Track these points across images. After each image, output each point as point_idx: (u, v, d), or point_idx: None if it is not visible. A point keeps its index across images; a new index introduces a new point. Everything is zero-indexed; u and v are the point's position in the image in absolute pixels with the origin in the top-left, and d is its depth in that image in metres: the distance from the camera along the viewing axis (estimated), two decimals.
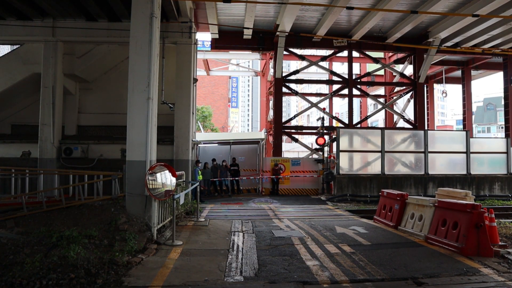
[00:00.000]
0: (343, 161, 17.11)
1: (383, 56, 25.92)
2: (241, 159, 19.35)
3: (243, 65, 35.23)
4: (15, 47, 15.88)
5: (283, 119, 21.89)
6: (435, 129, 34.15)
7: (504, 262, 6.45)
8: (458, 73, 27.68)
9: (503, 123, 25.28)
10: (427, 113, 28.56)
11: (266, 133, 22.48)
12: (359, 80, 23.67)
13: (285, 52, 20.89)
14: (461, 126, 34.30)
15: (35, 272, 5.20)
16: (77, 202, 10.11)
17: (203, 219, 10.39)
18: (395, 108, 25.47)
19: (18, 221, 8.32)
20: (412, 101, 23.14)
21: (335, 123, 28.46)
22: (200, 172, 15.72)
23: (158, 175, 8.10)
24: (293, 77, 22.51)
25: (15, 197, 10.99)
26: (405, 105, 24.98)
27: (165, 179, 8.31)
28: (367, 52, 22.86)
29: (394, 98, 25.51)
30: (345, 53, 22.78)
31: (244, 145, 20.18)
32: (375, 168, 17.26)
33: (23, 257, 5.71)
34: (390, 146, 17.48)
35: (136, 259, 6.30)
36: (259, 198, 16.75)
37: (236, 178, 18.03)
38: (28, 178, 12.46)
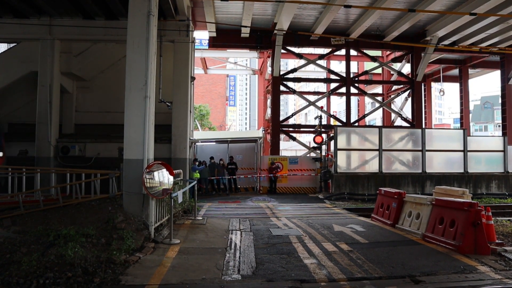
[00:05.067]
0: (341, 160, 17.13)
1: (380, 55, 25.92)
2: (239, 158, 19.33)
3: (241, 64, 35.18)
4: (11, 45, 15.81)
5: (281, 118, 21.89)
6: (433, 127, 34.23)
7: (501, 260, 6.48)
8: (455, 71, 27.73)
9: (500, 121, 25.36)
10: (425, 111, 28.60)
11: (263, 132, 22.47)
12: (357, 79, 23.67)
13: (282, 51, 20.88)
14: (458, 125, 34.39)
15: (32, 271, 5.19)
16: (74, 201, 10.07)
17: (201, 218, 10.39)
18: (392, 106, 25.51)
19: (15, 220, 8.30)
20: (409, 99, 23.18)
21: (333, 122, 28.47)
22: (197, 170, 15.71)
23: (155, 173, 8.08)
24: (291, 75, 22.50)
25: (12, 195, 10.95)
26: (402, 104, 25.01)
27: (163, 177, 8.29)
28: (365, 51, 22.86)
29: (392, 96, 25.54)
30: (343, 52, 22.78)
31: (242, 143, 20.16)
32: (372, 167, 17.28)
33: (20, 256, 5.69)
34: (387, 144, 17.50)
35: (134, 257, 6.29)
36: (257, 196, 16.77)
37: (234, 177, 18.02)
38: (25, 177, 12.41)
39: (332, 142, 18.88)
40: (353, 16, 19.02)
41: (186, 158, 15.10)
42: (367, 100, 34.69)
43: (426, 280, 5.47)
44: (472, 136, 24.34)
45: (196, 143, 18.71)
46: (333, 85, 23.92)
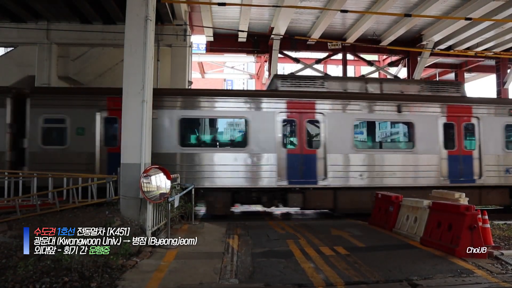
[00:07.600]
0: None
1: (377, 59, 26.04)
2: None
3: (238, 68, 35.21)
4: (8, 49, 15.81)
5: None
6: None
7: (497, 263, 6.49)
8: (451, 76, 27.85)
9: None
10: None
11: None
12: None
13: (279, 55, 20.92)
14: None
15: (28, 276, 5.17)
16: (71, 205, 10.03)
17: (198, 222, 10.36)
18: None
19: (12, 225, 8.25)
20: None
21: None
22: None
23: (152, 177, 8.06)
24: None
25: (8, 200, 10.88)
26: None
27: (160, 182, 8.27)
28: (361, 55, 22.97)
29: None
30: (339, 56, 22.89)
31: None
32: None
33: (16, 260, 5.66)
34: None
35: (131, 262, 6.26)
36: None
37: None
38: (21, 181, 12.32)
39: None
40: (349, 21, 19.12)
41: None
42: None
43: (423, 283, 5.48)
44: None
45: None
46: None
